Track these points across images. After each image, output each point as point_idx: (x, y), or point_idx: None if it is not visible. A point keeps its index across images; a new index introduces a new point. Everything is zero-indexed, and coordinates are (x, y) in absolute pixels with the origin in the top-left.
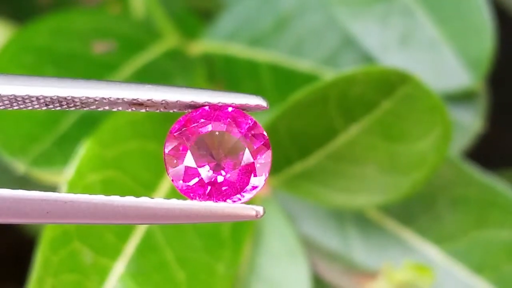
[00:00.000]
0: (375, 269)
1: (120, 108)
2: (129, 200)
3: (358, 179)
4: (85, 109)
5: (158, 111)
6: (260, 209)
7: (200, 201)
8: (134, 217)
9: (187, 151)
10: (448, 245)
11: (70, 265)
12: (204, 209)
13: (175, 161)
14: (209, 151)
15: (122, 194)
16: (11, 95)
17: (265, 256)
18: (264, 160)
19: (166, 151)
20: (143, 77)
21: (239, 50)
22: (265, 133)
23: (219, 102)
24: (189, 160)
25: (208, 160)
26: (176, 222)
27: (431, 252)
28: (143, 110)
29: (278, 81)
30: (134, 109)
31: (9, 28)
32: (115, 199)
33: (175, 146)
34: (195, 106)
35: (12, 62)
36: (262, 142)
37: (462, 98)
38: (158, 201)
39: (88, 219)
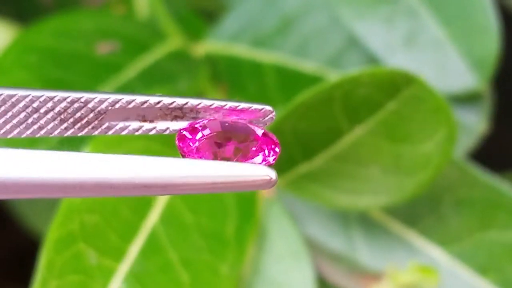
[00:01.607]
0: (380, 271)
1: (130, 128)
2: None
3: (363, 180)
4: (95, 133)
5: (167, 131)
6: (273, 173)
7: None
8: (141, 176)
9: (198, 133)
10: (453, 247)
11: (74, 266)
12: (213, 167)
13: (187, 138)
14: (219, 142)
15: None
16: (27, 95)
17: (269, 257)
18: (273, 152)
19: (178, 137)
20: (147, 77)
21: (243, 51)
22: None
23: (226, 104)
24: (199, 136)
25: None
26: (184, 185)
27: (436, 253)
28: (153, 132)
29: (283, 82)
30: (144, 129)
31: (12, 29)
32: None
33: (187, 134)
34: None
35: (15, 62)
36: (272, 141)
37: (466, 99)
38: (167, 159)
39: (99, 188)
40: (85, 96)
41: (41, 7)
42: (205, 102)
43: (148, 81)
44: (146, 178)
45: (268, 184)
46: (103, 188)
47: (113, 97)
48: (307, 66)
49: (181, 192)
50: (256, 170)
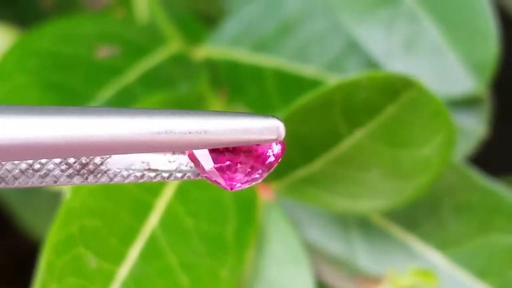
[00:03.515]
0: (379, 275)
1: (135, 175)
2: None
3: (362, 184)
4: (101, 180)
5: (171, 178)
6: (281, 124)
7: None
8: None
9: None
10: (452, 251)
11: (74, 269)
12: (219, 120)
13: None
14: None
15: (125, 197)
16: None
17: (269, 262)
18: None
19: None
20: (147, 81)
21: (243, 55)
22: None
23: None
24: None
25: None
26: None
27: (435, 257)
28: (158, 179)
29: (282, 86)
30: (148, 176)
31: (12, 32)
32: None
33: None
34: None
35: (16, 66)
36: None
37: (466, 103)
38: (171, 113)
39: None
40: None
41: (41, 11)
42: None
43: (148, 85)
44: (153, 134)
45: (277, 135)
46: (109, 147)
47: None
48: (307, 70)
49: (187, 148)
50: (264, 121)
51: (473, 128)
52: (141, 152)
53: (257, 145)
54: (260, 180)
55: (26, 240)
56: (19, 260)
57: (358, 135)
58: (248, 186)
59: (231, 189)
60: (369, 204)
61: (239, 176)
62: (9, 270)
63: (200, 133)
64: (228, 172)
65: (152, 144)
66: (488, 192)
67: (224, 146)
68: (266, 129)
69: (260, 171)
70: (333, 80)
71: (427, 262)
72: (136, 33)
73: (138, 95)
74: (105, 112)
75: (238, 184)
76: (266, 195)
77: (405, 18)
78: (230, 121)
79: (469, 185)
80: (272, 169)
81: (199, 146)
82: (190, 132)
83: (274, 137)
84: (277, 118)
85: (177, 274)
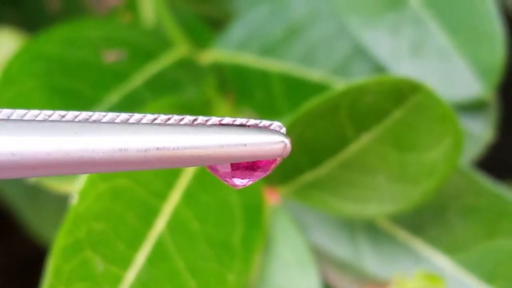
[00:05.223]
0: (386, 279)
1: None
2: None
3: (369, 188)
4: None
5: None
6: (287, 139)
7: None
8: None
9: None
10: (459, 255)
11: (81, 273)
12: (224, 136)
13: None
14: None
15: (132, 201)
16: (39, 114)
17: (275, 265)
18: None
19: None
20: (154, 86)
21: (250, 59)
22: None
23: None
24: None
25: None
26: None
27: (442, 261)
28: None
29: (289, 91)
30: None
31: (19, 36)
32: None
33: None
34: None
35: (22, 70)
36: None
37: (472, 107)
38: (173, 128)
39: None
40: (96, 114)
41: (48, 15)
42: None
43: (155, 89)
44: (158, 150)
45: (284, 149)
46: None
47: (123, 115)
48: (314, 74)
49: (191, 164)
50: (269, 137)
51: (480, 132)
52: (143, 169)
53: None
54: (265, 175)
55: (31, 242)
56: (24, 262)
57: (365, 139)
58: (254, 182)
59: (236, 186)
60: (375, 208)
61: (244, 174)
62: (14, 273)
63: (202, 149)
64: (233, 172)
65: (157, 161)
66: (495, 196)
67: (228, 162)
68: (270, 145)
69: (264, 168)
70: (340, 84)
71: (433, 266)
72: (143, 37)
73: (145, 99)
74: (107, 128)
75: (243, 181)
76: (273, 199)
77: (411, 22)
78: (234, 136)
79: (475, 189)
80: (276, 164)
81: (204, 162)
82: (194, 148)
83: (279, 153)
84: (283, 134)
85: (184, 278)
